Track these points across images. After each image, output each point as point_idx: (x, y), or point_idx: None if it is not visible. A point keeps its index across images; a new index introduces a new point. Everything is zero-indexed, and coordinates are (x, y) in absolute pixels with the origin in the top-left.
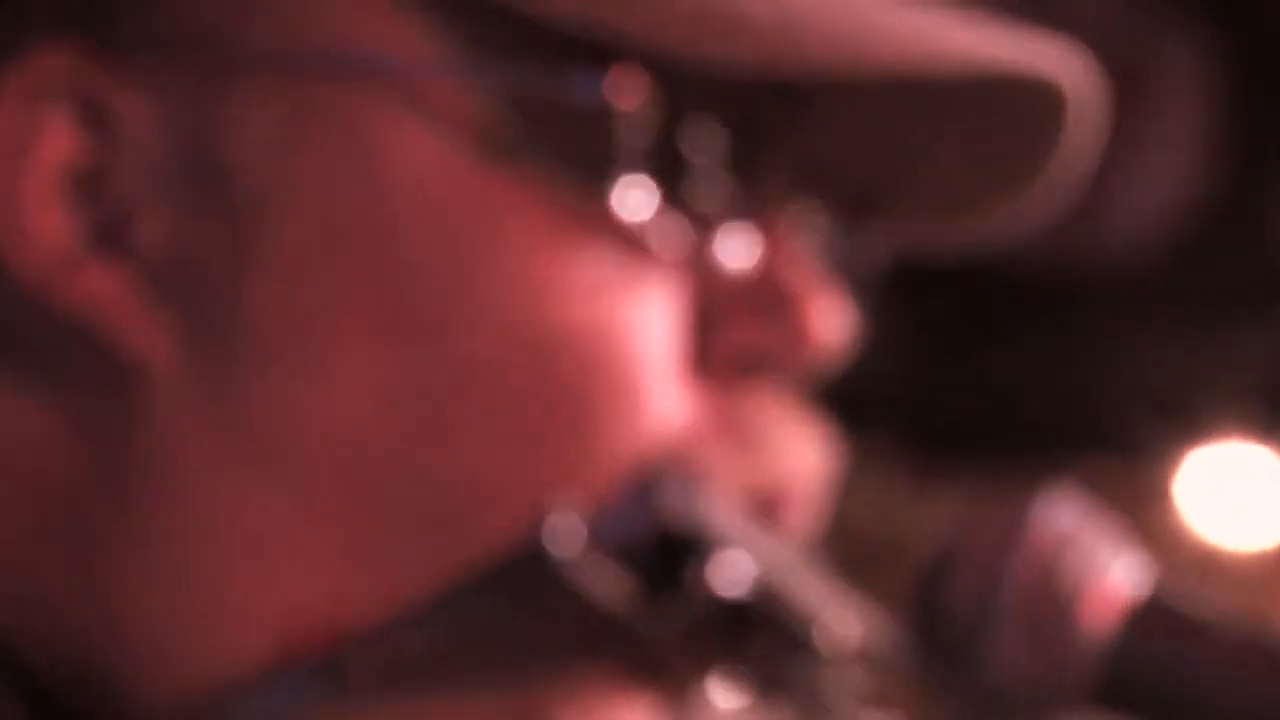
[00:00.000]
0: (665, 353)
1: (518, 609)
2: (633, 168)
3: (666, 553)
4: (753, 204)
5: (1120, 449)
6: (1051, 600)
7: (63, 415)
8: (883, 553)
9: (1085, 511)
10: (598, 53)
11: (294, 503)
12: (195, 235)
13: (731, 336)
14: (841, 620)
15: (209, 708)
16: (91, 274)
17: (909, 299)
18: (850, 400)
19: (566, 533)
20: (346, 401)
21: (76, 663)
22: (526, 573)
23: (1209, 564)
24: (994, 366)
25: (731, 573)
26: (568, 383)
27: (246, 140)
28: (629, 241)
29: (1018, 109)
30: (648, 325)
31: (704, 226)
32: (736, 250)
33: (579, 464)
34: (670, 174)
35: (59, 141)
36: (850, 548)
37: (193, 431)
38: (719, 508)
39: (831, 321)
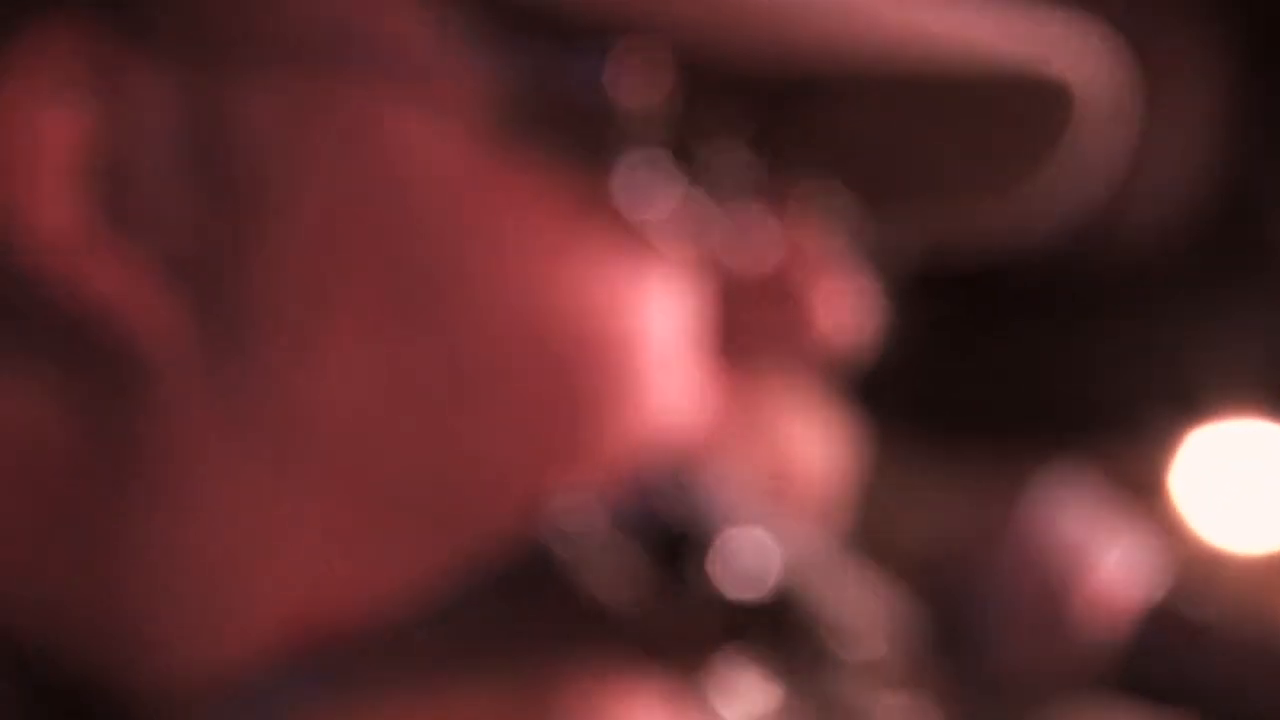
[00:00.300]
0: (673, 341)
1: (521, 601)
2: (643, 155)
3: (673, 542)
4: (768, 191)
5: (1126, 430)
6: (1049, 596)
7: (65, 407)
8: (889, 536)
9: (1086, 501)
10: (606, 38)
11: (299, 497)
12: (201, 225)
13: (745, 324)
14: (858, 611)
15: (212, 703)
16: (99, 261)
17: (916, 289)
18: (859, 385)
19: (571, 523)
20: (351, 395)
21: (78, 660)
22: (530, 564)
23: (1212, 553)
24: (997, 350)
25: (741, 562)
26: (569, 374)
27: (251, 130)
28: (638, 230)
29: (1025, 100)
30: (654, 314)
31: (718, 214)
32: (752, 237)
33: (582, 454)
34: (683, 161)
35: (68, 124)
36: (865, 533)
37: (197, 425)
38: (729, 498)
39: (843, 310)
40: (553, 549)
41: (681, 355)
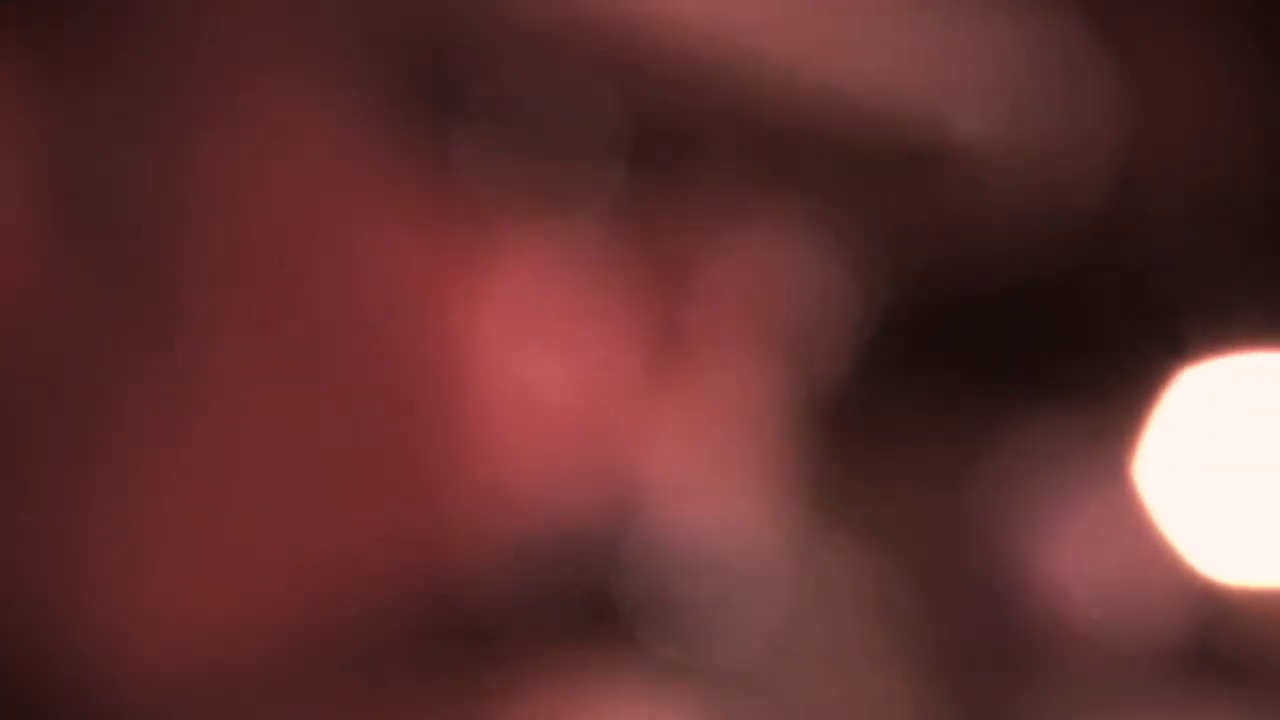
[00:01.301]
0: (576, 378)
1: (421, 644)
2: (544, 174)
3: (584, 550)
4: (715, 196)
5: (1118, 369)
6: (1020, 583)
7: None
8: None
9: (1065, 480)
10: (505, 45)
11: (198, 543)
12: (115, 250)
13: (671, 318)
14: (796, 603)
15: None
16: (37, 272)
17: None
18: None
19: (478, 551)
20: (253, 424)
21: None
22: (430, 609)
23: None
24: (988, 296)
25: (669, 557)
26: (440, 414)
27: (154, 153)
28: (542, 253)
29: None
30: (523, 321)
31: (631, 230)
32: (669, 259)
33: (451, 472)
34: (584, 181)
35: (16, 142)
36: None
37: (103, 443)
38: (652, 499)
39: (777, 305)
40: (462, 577)
41: (570, 366)
